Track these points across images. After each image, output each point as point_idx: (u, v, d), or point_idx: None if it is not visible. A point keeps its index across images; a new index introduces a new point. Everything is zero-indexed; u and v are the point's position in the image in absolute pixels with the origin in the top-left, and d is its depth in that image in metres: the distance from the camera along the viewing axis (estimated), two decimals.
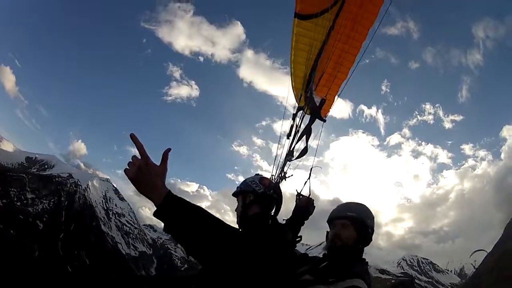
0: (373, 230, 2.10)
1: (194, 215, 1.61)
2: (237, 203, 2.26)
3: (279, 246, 1.90)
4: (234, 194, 2.31)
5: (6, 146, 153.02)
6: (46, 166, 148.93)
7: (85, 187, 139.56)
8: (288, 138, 3.04)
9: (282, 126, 3.24)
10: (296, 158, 2.90)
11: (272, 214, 2.28)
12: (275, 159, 2.93)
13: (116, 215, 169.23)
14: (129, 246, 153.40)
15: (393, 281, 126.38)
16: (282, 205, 2.37)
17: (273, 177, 2.72)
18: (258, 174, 2.43)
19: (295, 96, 3.50)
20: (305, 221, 2.41)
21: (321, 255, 2.13)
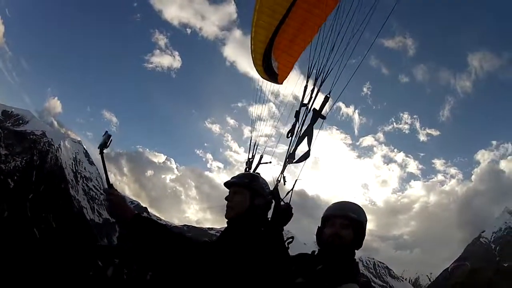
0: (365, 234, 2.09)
1: (160, 229, 1.89)
2: (233, 194, 2.15)
3: (277, 250, 1.96)
4: (237, 185, 2.18)
5: None
6: (20, 121, 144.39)
7: (57, 147, 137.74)
8: (288, 137, 2.80)
9: (255, 109, 3.31)
10: (297, 162, 2.70)
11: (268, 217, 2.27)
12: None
13: (84, 178, 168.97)
14: (93, 212, 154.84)
15: None
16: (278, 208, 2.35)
17: (275, 181, 2.63)
18: (258, 173, 2.58)
19: (253, 59, 3.55)
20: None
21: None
